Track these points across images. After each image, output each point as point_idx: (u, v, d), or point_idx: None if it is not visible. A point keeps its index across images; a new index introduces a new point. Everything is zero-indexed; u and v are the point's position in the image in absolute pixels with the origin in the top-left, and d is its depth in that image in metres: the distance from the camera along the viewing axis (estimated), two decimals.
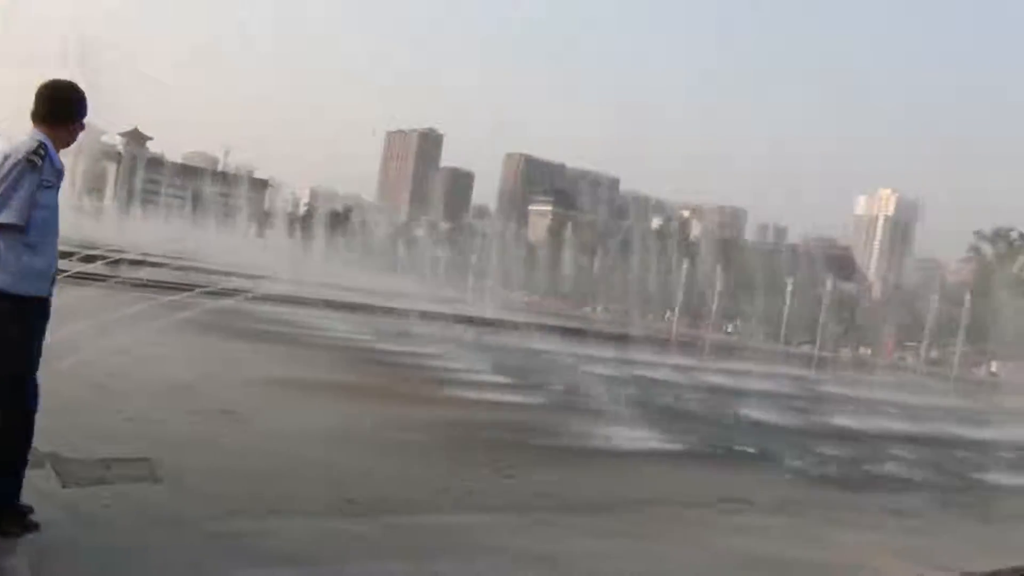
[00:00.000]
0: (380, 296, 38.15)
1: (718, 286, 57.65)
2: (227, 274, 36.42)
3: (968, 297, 53.15)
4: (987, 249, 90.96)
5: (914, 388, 38.06)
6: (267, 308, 28.85)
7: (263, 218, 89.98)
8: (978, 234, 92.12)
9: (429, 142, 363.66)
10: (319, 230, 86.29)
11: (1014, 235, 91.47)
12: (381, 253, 74.88)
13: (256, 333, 24.18)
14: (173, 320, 18.88)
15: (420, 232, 68.12)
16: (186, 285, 26.30)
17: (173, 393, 13.66)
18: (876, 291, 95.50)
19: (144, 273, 28.12)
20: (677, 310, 57.34)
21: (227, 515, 7.84)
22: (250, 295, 27.37)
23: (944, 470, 17.69)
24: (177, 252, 43.31)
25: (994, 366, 59.10)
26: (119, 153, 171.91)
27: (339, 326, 29.12)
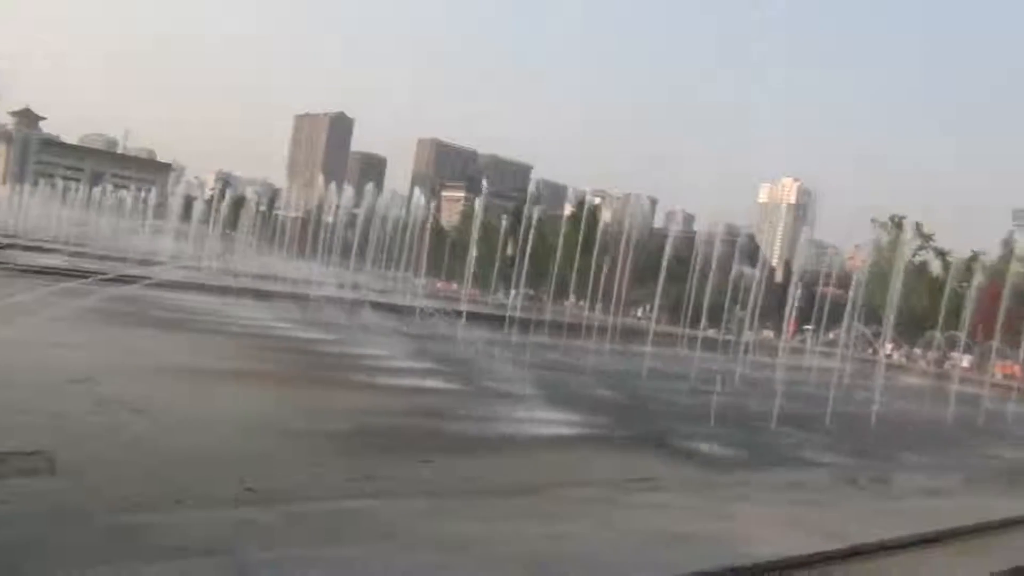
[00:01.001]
0: (286, 282, 37.58)
1: (626, 272, 58.78)
2: (124, 260, 35.30)
3: (855, 281, 55.56)
4: (882, 236, 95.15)
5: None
6: (169, 295, 28.12)
7: (165, 202, 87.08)
8: (875, 221, 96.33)
9: (339, 126, 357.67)
10: (224, 215, 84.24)
11: (907, 222, 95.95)
12: (288, 238, 73.64)
13: (157, 320, 23.58)
14: (70, 308, 18.26)
15: (329, 217, 67.03)
16: (81, 272, 25.44)
17: (71, 384, 13.27)
18: (778, 276, 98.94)
19: (35, 259, 27.07)
20: (589, 295, 58.24)
21: (130, 507, 7.71)
22: (149, 282, 26.62)
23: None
24: (74, 237, 41.70)
25: (888, 347, 62.02)
26: (10, 134, 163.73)
27: (243, 312, 28.61)
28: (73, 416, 11.23)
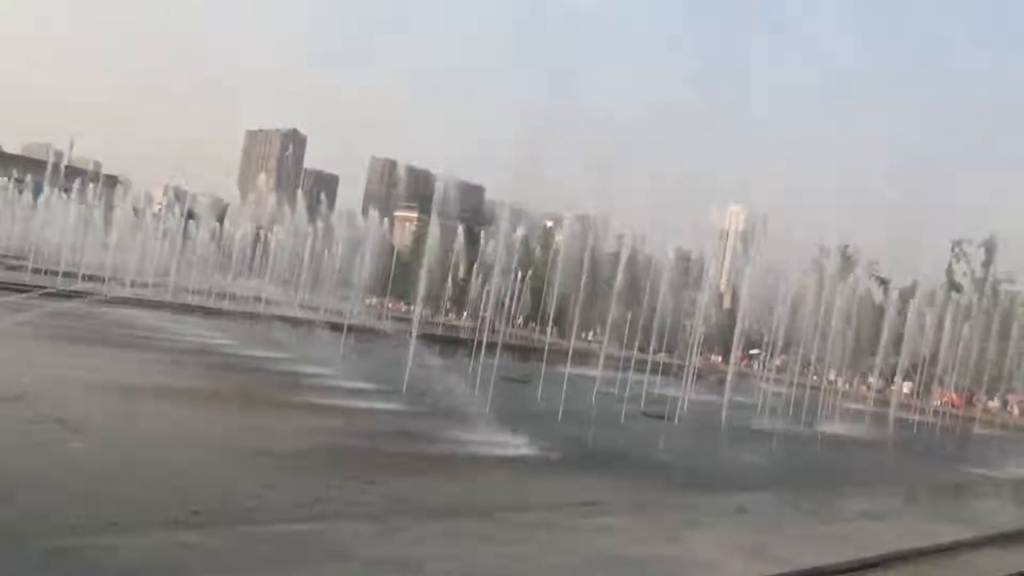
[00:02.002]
0: (235, 300, 37.05)
1: (579, 294, 59.02)
2: (69, 275, 34.47)
3: (800, 308, 56.49)
4: (826, 263, 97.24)
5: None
6: (116, 311, 27.51)
7: (111, 216, 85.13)
8: (821, 248, 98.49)
9: (292, 142, 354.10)
10: (173, 230, 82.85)
11: (850, 250, 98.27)
12: (237, 255, 72.52)
13: (101, 337, 23.03)
14: (9, 323, 17.76)
15: (281, 235, 66.25)
16: (23, 286, 24.78)
17: (8, 402, 12.88)
18: (726, 301, 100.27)
19: None
20: (542, 318, 58.38)
21: (66, 531, 7.48)
22: (94, 298, 26.06)
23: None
24: (13, 251, 40.63)
25: (831, 375, 63.16)
26: None
27: (187, 330, 28.11)
28: (8, 435, 10.89)
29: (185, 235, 78.87)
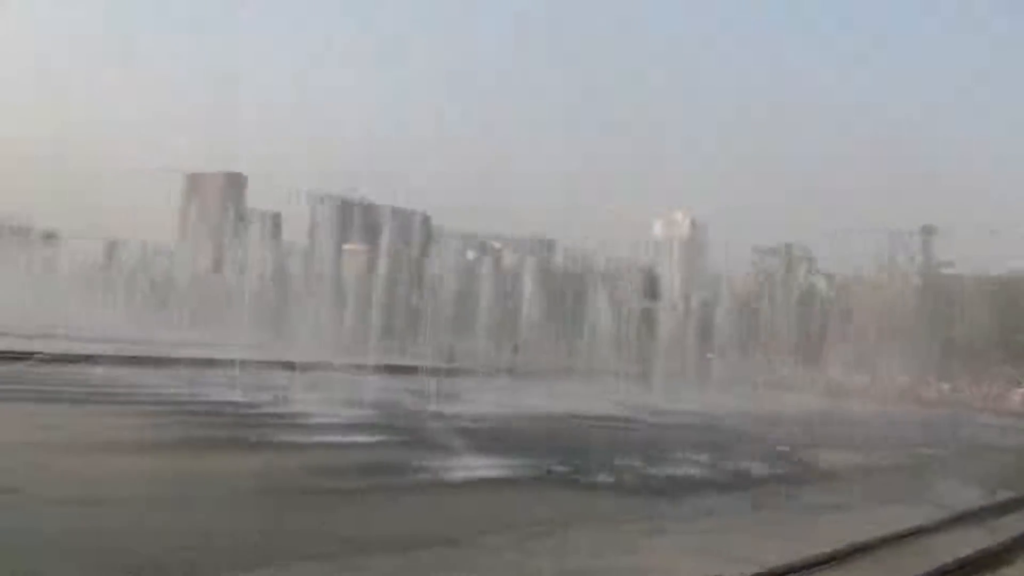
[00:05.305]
0: (187, 347, 36.27)
1: (533, 314, 59.13)
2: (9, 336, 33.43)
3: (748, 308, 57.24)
4: (770, 263, 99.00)
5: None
6: (56, 369, 26.76)
7: (52, 273, 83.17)
8: (757, 249, 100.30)
9: (233, 184, 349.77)
10: (116, 283, 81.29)
11: (795, 250, 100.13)
12: (184, 302, 71.18)
13: (41, 394, 22.35)
14: None
15: (226, 278, 65.28)
16: None
17: None
18: (678, 308, 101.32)
19: None
20: (505, 340, 58.33)
21: None
22: (40, 357, 25.37)
23: None
24: None
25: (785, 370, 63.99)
26: None
27: (136, 381, 27.47)
28: None
29: (126, 285, 76.98)
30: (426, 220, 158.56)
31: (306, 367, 29.75)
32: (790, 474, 19.45)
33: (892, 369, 57.84)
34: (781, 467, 20.31)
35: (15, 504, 10.85)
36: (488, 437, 20.69)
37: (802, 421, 32.72)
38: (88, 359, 30.14)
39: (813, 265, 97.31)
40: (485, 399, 30.23)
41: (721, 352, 55.96)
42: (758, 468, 19.51)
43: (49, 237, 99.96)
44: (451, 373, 38.62)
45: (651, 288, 71.06)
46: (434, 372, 35.51)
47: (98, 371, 28.40)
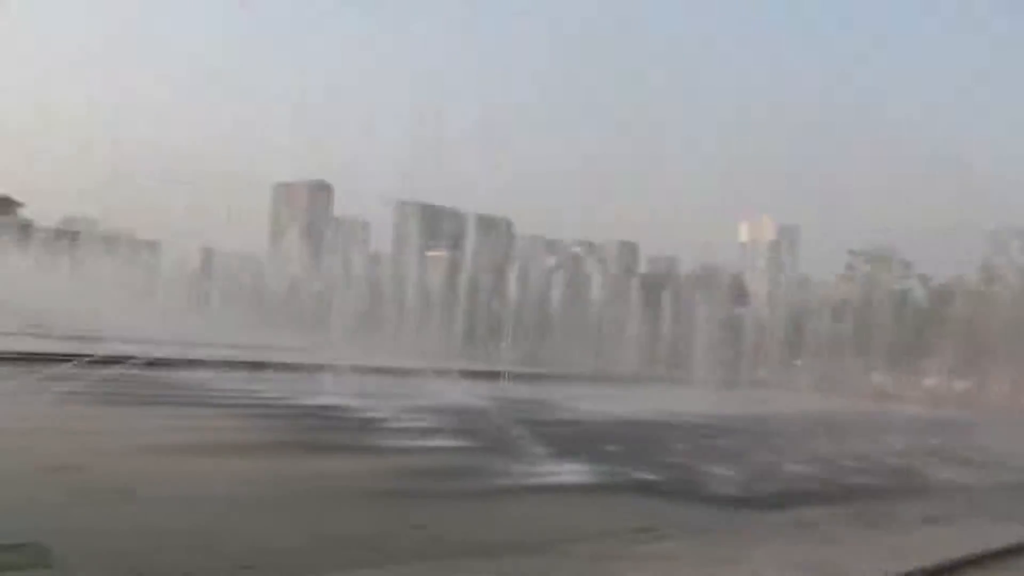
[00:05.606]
0: (285, 352, 37.26)
1: (616, 319, 58.73)
2: (104, 340, 34.81)
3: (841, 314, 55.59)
4: (863, 267, 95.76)
5: None
6: (167, 374, 27.76)
7: (156, 281, 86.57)
8: (852, 253, 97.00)
9: (320, 193, 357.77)
10: (212, 290, 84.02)
11: (889, 252, 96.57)
12: (279, 308, 73.09)
13: (141, 398, 23.20)
14: (58, 392, 17.96)
15: (317, 285, 66.84)
16: (64, 355, 25.05)
17: (58, 472, 12.87)
18: (764, 314, 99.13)
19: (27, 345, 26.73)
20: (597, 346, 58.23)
21: None
22: (135, 362, 26.34)
23: None
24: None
25: (876, 377, 61.85)
26: None
27: (231, 385, 28.26)
28: (61, 504, 10.83)
29: (227, 292, 79.47)
30: (508, 225, 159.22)
31: (395, 372, 30.18)
32: (889, 485, 18.75)
33: (994, 376, 55.35)
34: (879, 477, 19.60)
35: (128, 502, 11.27)
36: (576, 442, 20.58)
37: (899, 429, 31.56)
38: (188, 363, 31.22)
39: (909, 268, 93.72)
40: (576, 405, 30.16)
41: (812, 358, 54.56)
42: (856, 478, 18.88)
43: (149, 245, 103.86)
44: (537, 378, 38.69)
45: (738, 292, 69.81)
46: (520, 377, 35.63)
47: (197, 375, 29.39)
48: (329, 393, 26.48)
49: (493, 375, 38.02)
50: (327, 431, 20.25)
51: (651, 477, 16.87)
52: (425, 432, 20.65)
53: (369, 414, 23.04)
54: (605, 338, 57.54)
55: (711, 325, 51.44)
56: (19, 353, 29.78)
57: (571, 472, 16.15)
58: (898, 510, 14.93)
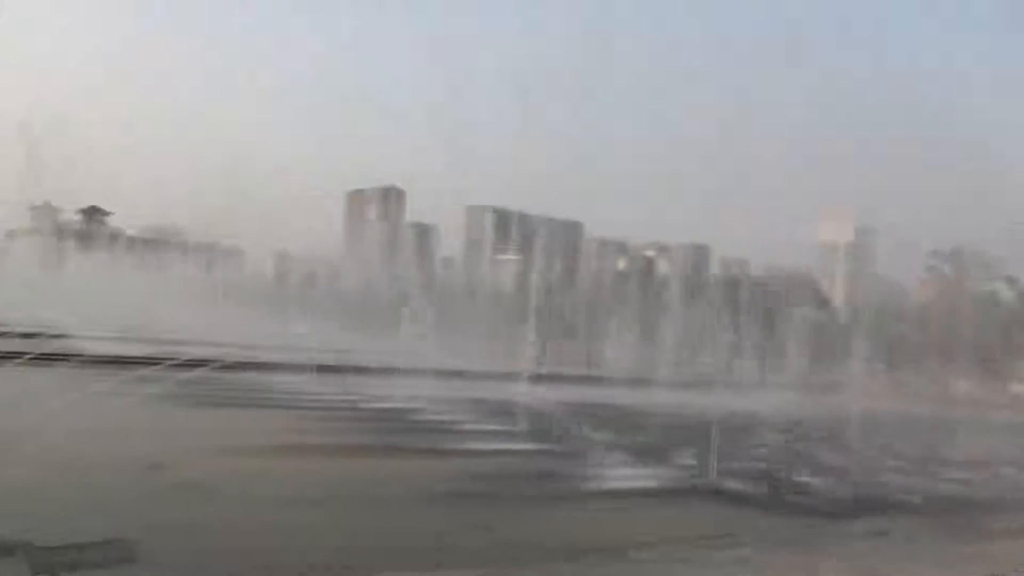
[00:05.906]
0: (362, 355, 37.90)
1: (689, 322, 58.05)
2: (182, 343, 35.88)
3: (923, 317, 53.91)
4: (946, 268, 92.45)
5: None
6: (243, 376, 28.50)
7: (238, 286, 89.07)
8: (934, 253, 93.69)
9: (391, 199, 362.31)
10: (293, 295, 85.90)
11: (971, 253, 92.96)
12: (355, 313, 74.27)
13: (223, 401, 23.86)
14: (144, 395, 18.59)
15: (392, 290, 67.70)
16: (155, 358, 25.91)
17: (146, 470, 13.38)
18: (842, 317, 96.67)
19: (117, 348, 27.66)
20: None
21: None
22: (216, 365, 27.09)
23: None
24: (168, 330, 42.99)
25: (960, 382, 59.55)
26: (77, 231, 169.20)
27: (319, 388, 28.86)
28: (148, 501, 11.27)
29: (303, 297, 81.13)
30: (578, 228, 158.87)
31: (468, 375, 30.43)
32: (966, 495, 18.14)
33: None
34: (956, 486, 18.99)
35: (209, 501, 11.67)
36: (649, 446, 20.49)
37: (983, 436, 30.44)
38: (269, 367, 32.05)
39: (994, 269, 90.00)
40: (645, 409, 29.93)
41: (892, 363, 52.97)
42: (934, 488, 18.34)
43: (231, 252, 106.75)
44: (607, 382, 38.54)
45: (816, 296, 68.33)
46: (591, 380, 35.53)
47: (278, 378, 30.12)
48: (404, 395, 26.82)
49: (568, 379, 37.96)
50: (399, 433, 20.55)
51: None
52: (499, 435, 20.80)
53: (443, 416, 23.29)
54: (680, 341, 56.84)
55: (788, 327, 50.44)
56: (109, 357, 30.92)
57: (650, 477, 16.10)
58: (971, 518, 14.49)
